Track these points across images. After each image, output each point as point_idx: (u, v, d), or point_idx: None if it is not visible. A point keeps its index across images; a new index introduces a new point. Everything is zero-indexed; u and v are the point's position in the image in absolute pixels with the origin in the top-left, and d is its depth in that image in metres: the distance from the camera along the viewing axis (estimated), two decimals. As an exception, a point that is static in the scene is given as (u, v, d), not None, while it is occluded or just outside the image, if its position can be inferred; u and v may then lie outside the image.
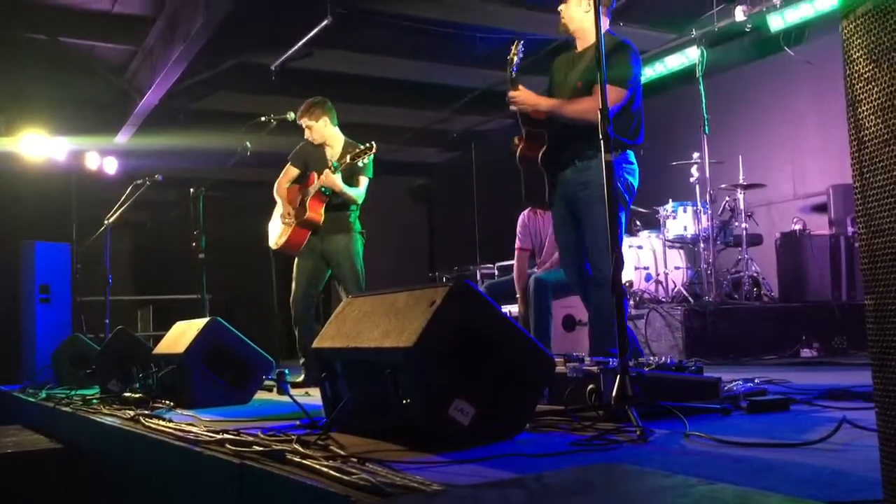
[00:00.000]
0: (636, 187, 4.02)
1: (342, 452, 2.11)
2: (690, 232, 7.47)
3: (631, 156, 3.99)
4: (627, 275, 7.38)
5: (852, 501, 1.43)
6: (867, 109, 1.06)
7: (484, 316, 2.35)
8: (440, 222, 14.91)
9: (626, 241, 7.60)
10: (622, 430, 2.32)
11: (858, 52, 1.08)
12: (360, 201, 5.39)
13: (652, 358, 2.89)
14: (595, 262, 3.93)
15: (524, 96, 3.96)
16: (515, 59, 4.10)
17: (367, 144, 5.19)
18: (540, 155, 4.01)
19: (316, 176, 5.30)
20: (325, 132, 5.45)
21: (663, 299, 7.29)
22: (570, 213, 4.03)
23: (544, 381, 2.46)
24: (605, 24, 3.97)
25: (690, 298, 7.13)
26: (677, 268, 7.69)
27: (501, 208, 7.63)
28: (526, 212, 6.05)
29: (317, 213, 5.27)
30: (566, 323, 5.95)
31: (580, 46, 4.08)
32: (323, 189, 5.25)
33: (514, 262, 5.96)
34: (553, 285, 5.24)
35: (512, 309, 6.37)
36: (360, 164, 5.19)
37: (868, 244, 1.10)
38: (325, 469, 1.91)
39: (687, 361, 2.93)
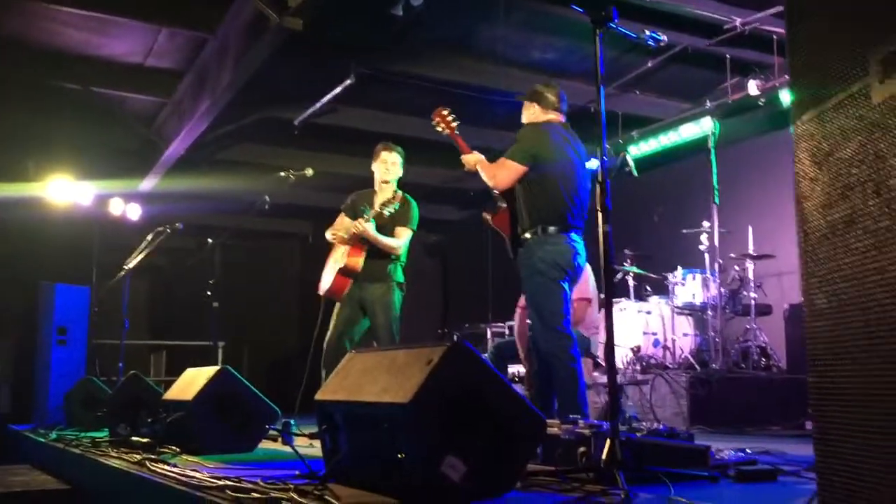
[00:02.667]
0: (571, 263, 4.08)
1: (336, 503, 2.20)
2: (699, 299, 7.51)
3: (554, 233, 4.11)
4: (635, 339, 7.43)
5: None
6: (811, 206, 1.17)
7: (478, 375, 2.44)
8: (454, 279, 14.96)
9: (636, 305, 7.67)
10: (608, 492, 2.39)
11: (804, 153, 1.20)
12: (399, 252, 5.33)
13: (644, 424, 2.97)
14: (534, 338, 4.18)
15: (468, 157, 4.26)
16: (451, 122, 4.36)
17: (396, 192, 5.17)
18: (492, 218, 4.35)
19: None
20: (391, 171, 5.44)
21: (670, 365, 7.31)
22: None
23: (534, 442, 2.54)
24: (544, 116, 4.28)
25: (697, 366, 7.14)
26: (685, 334, 7.71)
27: (515, 267, 7.71)
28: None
29: (354, 260, 5.21)
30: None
31: None
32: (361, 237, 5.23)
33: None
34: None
35: (520, 368, 6.43)
36: (386, 213, 5.14)
37: (810, 326, 1.20)
38: (318, 518, 1.99)
39: (678, 429, 3.00)
